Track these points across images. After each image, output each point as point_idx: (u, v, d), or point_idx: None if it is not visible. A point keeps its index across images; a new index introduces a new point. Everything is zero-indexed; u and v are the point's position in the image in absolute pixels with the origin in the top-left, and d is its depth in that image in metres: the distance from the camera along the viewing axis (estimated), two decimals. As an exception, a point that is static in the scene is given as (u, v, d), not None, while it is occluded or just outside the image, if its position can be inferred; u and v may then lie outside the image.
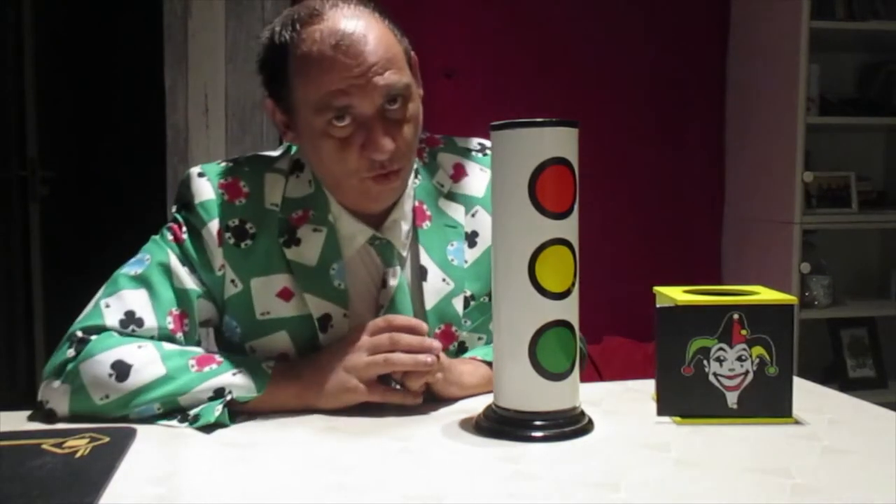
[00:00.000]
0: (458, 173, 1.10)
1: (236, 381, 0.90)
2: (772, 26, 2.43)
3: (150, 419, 0.89)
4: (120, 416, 0.89)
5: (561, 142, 0.83)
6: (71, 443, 0.80)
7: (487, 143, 1.08)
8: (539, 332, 0.83)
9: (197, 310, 0.99)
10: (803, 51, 2.29)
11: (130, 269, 0.99)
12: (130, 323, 0.94)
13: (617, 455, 0.79)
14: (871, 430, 0.87)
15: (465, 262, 1.06)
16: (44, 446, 0.79)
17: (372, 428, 0.88)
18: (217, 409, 0.86)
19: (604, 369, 2.35)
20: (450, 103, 2.25)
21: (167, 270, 0.97)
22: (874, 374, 2.61)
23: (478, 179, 1.11)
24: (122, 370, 0.88)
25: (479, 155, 1.13)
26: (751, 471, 0.74)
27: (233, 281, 1.00)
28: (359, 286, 1.03)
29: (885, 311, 2.62)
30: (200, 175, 1.02)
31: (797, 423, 0.89)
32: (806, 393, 1.01)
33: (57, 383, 0.90)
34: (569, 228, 0.84)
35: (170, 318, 0.96)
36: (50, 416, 0.90)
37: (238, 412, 0.90)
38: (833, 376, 2.57)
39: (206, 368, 0.90)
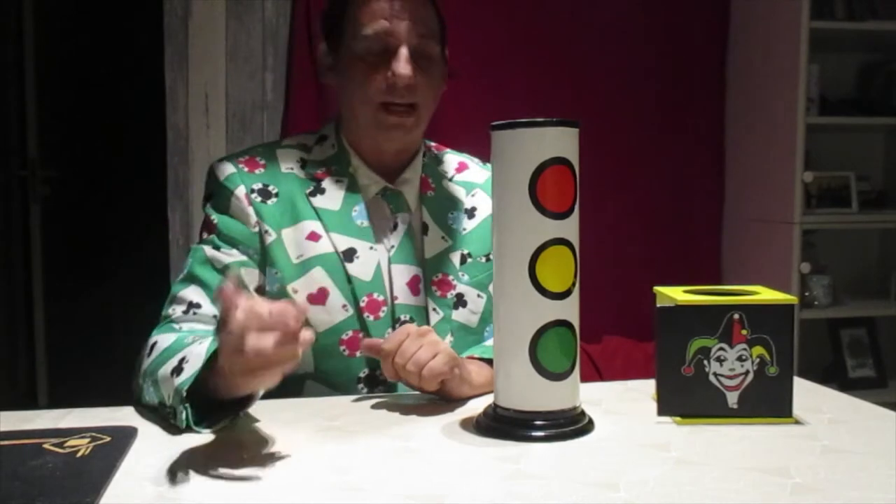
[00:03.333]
0: (461, 168, 1.27)
1: (194, 350, 0.89)
2: (772, 26, 2.43)
3: (161, 416, 0.91)
4: (149, 401, 0.95)
5: (561, 142, 0.83)
6: (72, 442, 0.80)
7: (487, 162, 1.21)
8: (539, 332, 0.83)
9: (248, 280, 1.08)
10: (803, 51, 2.29)
11: (178, 277, 1.10)
12: (191, 309, 1.05)
13: (617, 455, 0.79)
14: (871, 430, 0.87)
15: (464, 229, 1.19)
16: (44, 446, 0.79)
17: (372, 428, 0.88)
18: (181, 410, 0.83)
19: (604, 369, 2.35)
20: (450, 103, 2.24)
21: (206, 260, 1.08)
22: (874, 374, 2.61)
23: (478, 173, 1.27)
24: (152, 348, 0.99)
25: (480, 162, 1.30)
26: (751, 471, 0.74)
27: (267, 232, 1.10)
28: (374, 229, 1.13)
29: (885, 311, 2.62)
30: (219, 161, 1.16)
31: (797, 422, 0.89)
32: (806, 393, 1.01)
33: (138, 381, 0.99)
34: (569, 228, 0.84)
35: None
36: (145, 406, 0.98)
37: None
38: (833, 376, 2.56)
39: (191, 339, 0.95)
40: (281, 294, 1.08)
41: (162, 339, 0.99)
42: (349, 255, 1.10)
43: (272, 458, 0.78)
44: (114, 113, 3.80)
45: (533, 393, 0.84)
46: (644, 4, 2.56)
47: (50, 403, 3.31)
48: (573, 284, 0.85)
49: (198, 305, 1.05)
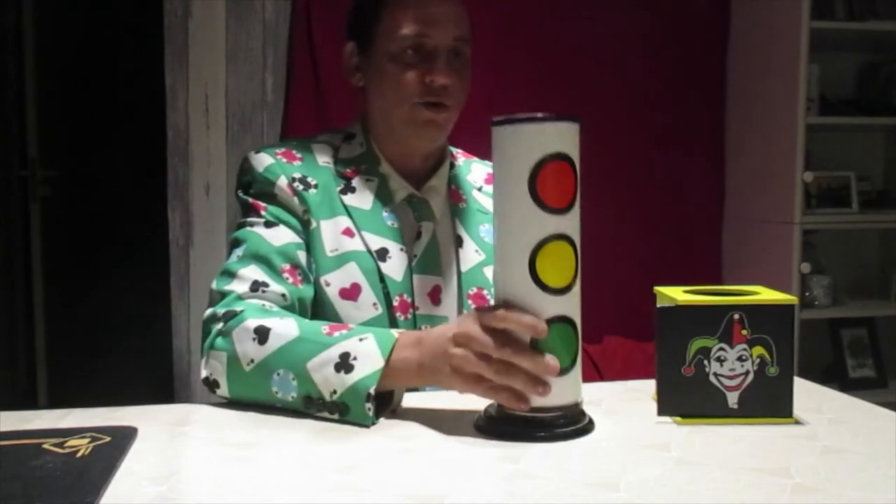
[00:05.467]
0: (490, 179, 1.22)
1: (361, 348, 0.89)
2: (772, 26, 2.43)
3: (298, 409, 0.91)
4: (267, 394, 0.92)
5: (562, 137, 0.83)
6: (72, 443, 0.80)
7: None
8: None
9: (302, 259, 1.08)
10: (803, 51, 2.29)
11: (233, 258, 1.07)
12: (258, 287, 1.03)
13: (617, 455, 0.79)
14: (871, 430, 0.87)
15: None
16: (44, 446, 0.79)
17: (372, 428, 0.88)
18: (368, 408, 0.86)
19: (604, 369, 2.35)
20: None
21: (260, 241, 1.07)
22: (874, 374, 2.61)
23: None
24: (262, 333, 0.94)
25: None
26: (751, 471, 0.74)
27: (309, 220, 1.10)
28: (397, 238, 1.13)
29: (885, 311, 2.62)
30: (256, 152, 1.15)
31: (797, 423, 0.89)
32: (806, 393, 1.01)
33: (216, 353, 0.97)
34: (570, 224, 0.83)
35: (286, 275, 1.06)
36: (214, 387, 0.98)
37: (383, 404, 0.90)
38: (833, 376, 2.56)
39: (337, 333, 0.92)
40: (315, 286, 1.09)
41: (277, 326, 0.94)
42: (382, 254, 1.10)
43: (272, 458, 0.78)
44: (114, 113, 3.80)
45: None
46: (644, 5, 2.56)
47: (50, 403, 3.31)
48: (574, 280, 0.84)
49: (265, 284, 1.03)
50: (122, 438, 0.82)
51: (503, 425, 0.85)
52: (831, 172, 2.50)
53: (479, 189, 1.24)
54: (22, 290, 3.37)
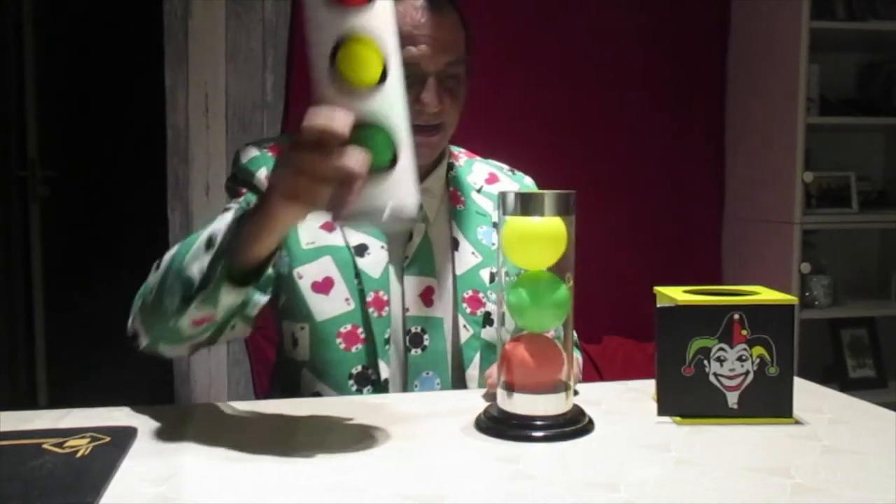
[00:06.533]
0: (492, 179, 1.26)
1: (220, 225, 0.85)
2: (772, 26, 2.43)
3: (184, 313, 0.85)
4: (163, 315, 0.87)
5: None
6: (71, 443, 0.80)
7: (516, 169, 1.31)
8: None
9: None
10: (803, 51, 2.29)
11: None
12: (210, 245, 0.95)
13: (617, 455, 0.79)
14: (871, 430, 0.87)
15: (493, 244, 1.18)
16: (44, 446, 0.79)
17: (372, 428, 0.88)
18: (223, 269, 0.81)
19: (604, 369, 2.35)
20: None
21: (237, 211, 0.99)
22: (874, 374, 2.61)
23: (507, 186, 1.26)
24: (158, 264, 0.93)
25: (510, 173, 1.30)
26: (751, 471, 0.74)
27: None
28: (389, 236, 1.12)
29: (885, 311, 2.62)
30: (247, 145, 1.16)
31: (797, 423, 0.89)
32: (806, 393, 1.01)
33: (133, 305, 0.95)
34: (369, 21, 0.75)
35: None
36: (134, 339, 0.95)
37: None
38: (833, 376, 2.57)
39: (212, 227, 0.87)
40: (288, 278, 1.09)
41: (170, 252, 0.92)
42: (360, 250, 1.11)
43: (272, 458, 0.78)
44: (114, 113, 3.80)
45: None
46: (644, 4, 2.56)
47: (50, 403, 3.31)
48: (384, 78, 0.76)
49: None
50: (122, 438, 0.82)
51: (503, 425, 0.85)
52: (831, 172, 2.50)
53: (479, 190, 1.23)
54: (22, 290, 3.37)
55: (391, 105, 0.78)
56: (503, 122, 2.36)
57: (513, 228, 0.85)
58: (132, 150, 3.60)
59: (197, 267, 0.84)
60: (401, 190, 0.78)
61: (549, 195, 0.84)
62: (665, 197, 2.63)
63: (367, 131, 0.76)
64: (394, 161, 0.77)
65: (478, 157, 1.30)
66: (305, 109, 0.73)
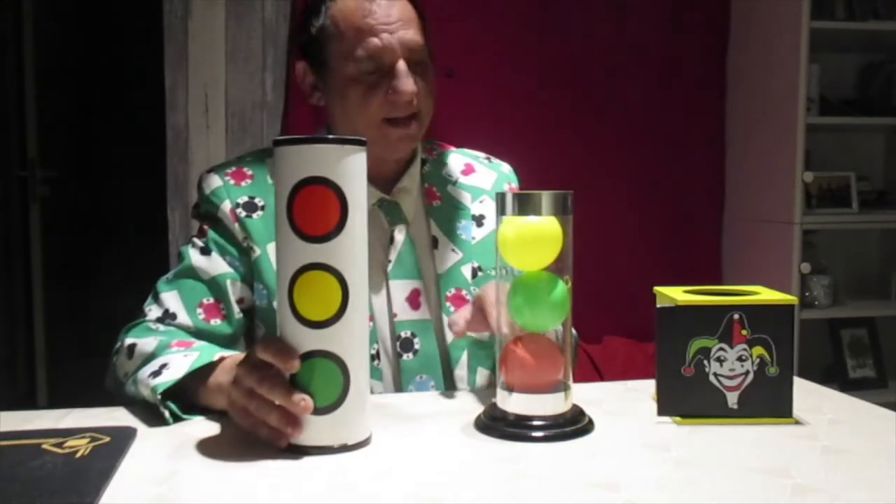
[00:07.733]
0: (468, 170, 1.23)
1: (176, 360, 0.92)
2: (772, 26, 2.43)
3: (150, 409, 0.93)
4: (133, 395, 0.96)
5: (323, 160, 0.76)
6: (71, 443, 0.80)
7: (492, 156, 1.29)
8: (302, 360, 0.78)
9: (231, 292, 1.08)
10: (803, 51, 2.28)
11: (169, 275, 1.11)
12: (166, 318, 1.06)
13: (617, 455, 0.79)
14: (871, 430, 0.87)
15: (473, 238, 1.16)
16: (44, 446, 0.79)
17: (372, 428, 0.88)
18: (166, 413, 0.89)
19: (604, 369, 2.35)
20: (450, 102, 2.25)
21: (192, 269, 1.08)
22: (874, 374, 2.61)
23: (485, 176, 1.23)
24: (131, 351, 1.00)
25: (486, 161, 1.27)
26: (751, 471, 0.74)
27: (252, 248, 1.08)
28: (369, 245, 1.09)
29: (885, 311, 2.62)
30: (208, 172, 1.13)
31: (797, 423, 0.89)
32: (806, 393, 1.01)
33: (110, 370, 1.04)
34: (331, 253, 0.77)
35: (200, 310, 1.07)
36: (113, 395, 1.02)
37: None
38: (833, 376, 2.56)
39: (175, 349, 0.95)
40: (269, 310, 1.07)
41: (142, 344, 0.99)
42: None
43: (272, 458, 0.78)
44: (114, 113, 3.80)
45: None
46: (644, 4, 2.56)
47: (50, 403, 3.31)
48: (340, 313, 0.78)
49: (173, 316, 1.05)
50: (122, 438, 0.82)
51: (503, 425, 0.85)
52: (831, 172, 2.50)
53: (455, 183, 1.20)
54: (22, 291, 3.37)
55: (344, 342, 0.79)
56: (503, 122, 2.36)
57: (508, 228, 0.85)
58: (132, 150, 3.60)
59: (146, 392, 0.92)
60: (349, 427, 0.80)
61: (545, 195, 0.84)
62: (665, 197, 2.63)
63: (320, 362, 0.78)
64: (345, 392, 0.79)
65: (452, 148, 1.27)
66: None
